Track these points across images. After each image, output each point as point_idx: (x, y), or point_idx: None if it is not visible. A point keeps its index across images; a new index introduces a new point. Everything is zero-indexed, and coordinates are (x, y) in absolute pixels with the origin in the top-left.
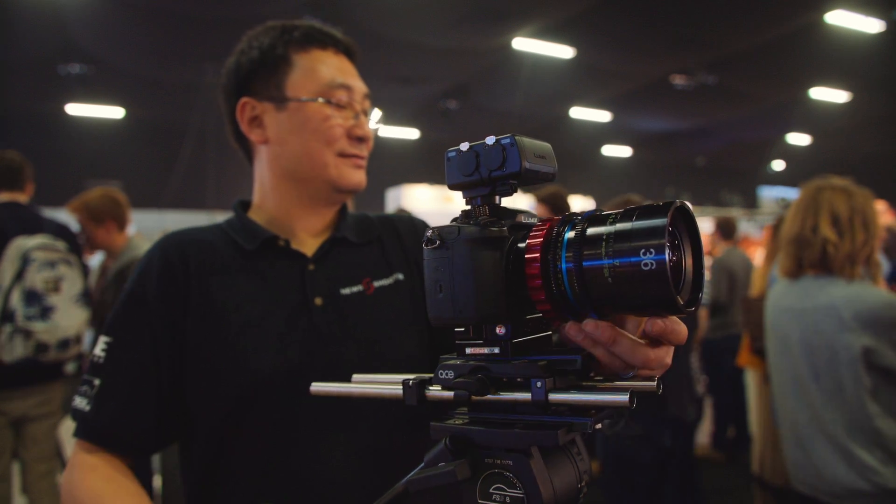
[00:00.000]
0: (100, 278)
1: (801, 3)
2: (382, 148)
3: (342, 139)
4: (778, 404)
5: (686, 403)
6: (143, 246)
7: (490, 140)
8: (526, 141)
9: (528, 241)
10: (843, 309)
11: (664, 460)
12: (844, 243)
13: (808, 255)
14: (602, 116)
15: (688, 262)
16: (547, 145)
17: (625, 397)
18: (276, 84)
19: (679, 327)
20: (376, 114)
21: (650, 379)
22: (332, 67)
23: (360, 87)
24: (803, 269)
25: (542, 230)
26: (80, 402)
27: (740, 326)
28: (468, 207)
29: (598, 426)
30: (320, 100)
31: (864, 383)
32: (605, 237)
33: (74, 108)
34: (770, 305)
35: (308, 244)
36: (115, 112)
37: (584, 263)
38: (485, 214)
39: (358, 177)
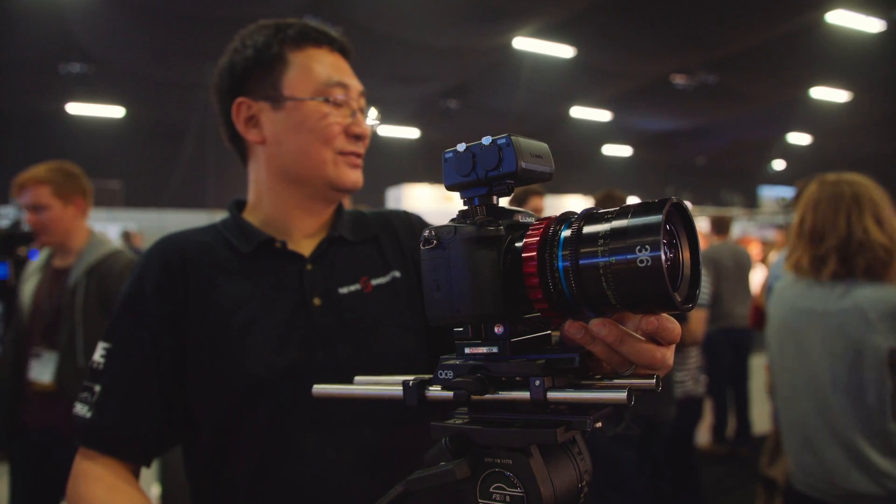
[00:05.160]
0: (45, 282)
1: (801, 2)
2: (382, 147)
3: (340, 137)
4: (785, 406)
5: (660, 402)
6: (108, 243)
7: (486, 140)
8: (522, 141)
9: (524, 240)
10: (870, 310)
11: (643, 461)
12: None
13: (862, 261)
14: (602, 116)
15: (685, 259)
16: (543, 145)
17: (622, 395)
18: (273, 83)
19: (672, 325)
20: (373, 112)
21: (649, 377)
22: (327, 66)
23: (355, 84)
24: (855, 275)
25: (538, 229)
26: (81, 409)
27: (738, 319)
28: (466, 207)
29: (598, 424)
30: (318, 98)
31: (888, 386)
32: (601, 235)
33: (75, 108)
34: (781, 305)
35: (304, 244)
36: (116, 111)
37: (580, 261)
38: (482, 214)
39: (355, 176)
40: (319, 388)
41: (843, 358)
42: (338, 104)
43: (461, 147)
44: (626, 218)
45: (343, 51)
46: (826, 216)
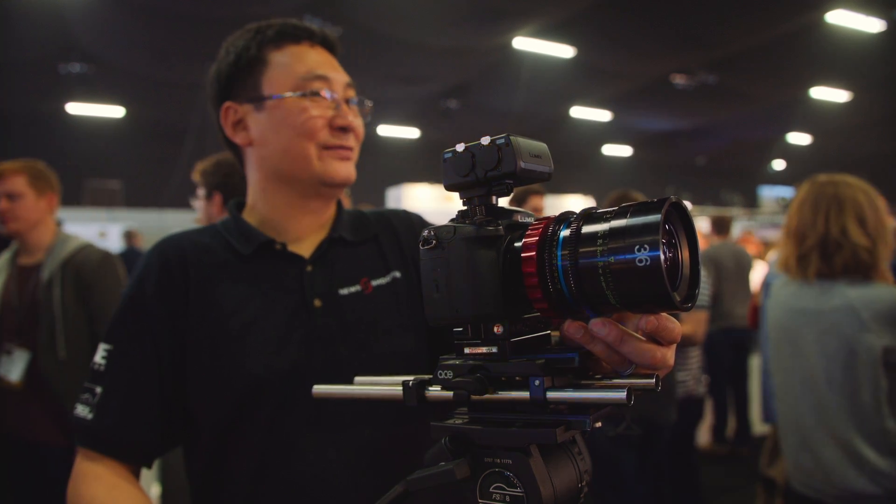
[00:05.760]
0: (12, 281)
1: (801, 2)
2: (383, 147)
3: (323, 130)
4: (782, 405)
5: (661, 404)
6: (77, 238)
7: (485, 140)
8: (521, 141)
9: (524, 239)
10: (863, 310)
11: (644, 462)
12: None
13: (840, 260)
14: (602, 116)
15: (684, 258)
16: (542, 145)
17: (622, 394)
18: (253, 84)
19: (672, 325)
20: (365, 103)
21: (648, 376)
22: (307, 60)
23: (339, 77)
24: (835, 274)
25: (537, 229)
26: (82, 411)
27: (738, 319)
28: (465, 208)
29: (598, 424)
30: (296, 94)
31: (883, 385)
32: (600, 234)
33: (75, 108)
34: (777, 305)
35: (304, 245)
36: (116, 111)
37: (579, 261)
38: (481, 214)
39: (345, 169)
40: (319, 389)
41: (838, 357)
42: (317, 97)
43: (460, 147)
44: (625, 217)
45: (326, 44)
46: (808, 216)
